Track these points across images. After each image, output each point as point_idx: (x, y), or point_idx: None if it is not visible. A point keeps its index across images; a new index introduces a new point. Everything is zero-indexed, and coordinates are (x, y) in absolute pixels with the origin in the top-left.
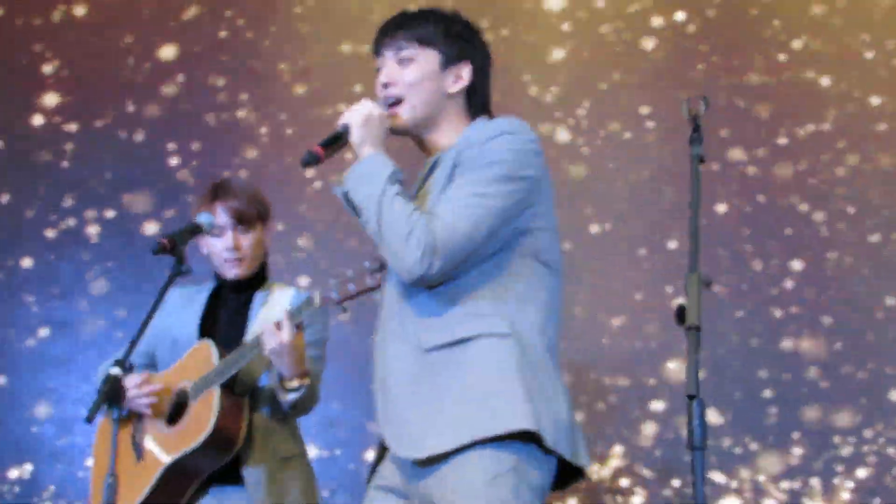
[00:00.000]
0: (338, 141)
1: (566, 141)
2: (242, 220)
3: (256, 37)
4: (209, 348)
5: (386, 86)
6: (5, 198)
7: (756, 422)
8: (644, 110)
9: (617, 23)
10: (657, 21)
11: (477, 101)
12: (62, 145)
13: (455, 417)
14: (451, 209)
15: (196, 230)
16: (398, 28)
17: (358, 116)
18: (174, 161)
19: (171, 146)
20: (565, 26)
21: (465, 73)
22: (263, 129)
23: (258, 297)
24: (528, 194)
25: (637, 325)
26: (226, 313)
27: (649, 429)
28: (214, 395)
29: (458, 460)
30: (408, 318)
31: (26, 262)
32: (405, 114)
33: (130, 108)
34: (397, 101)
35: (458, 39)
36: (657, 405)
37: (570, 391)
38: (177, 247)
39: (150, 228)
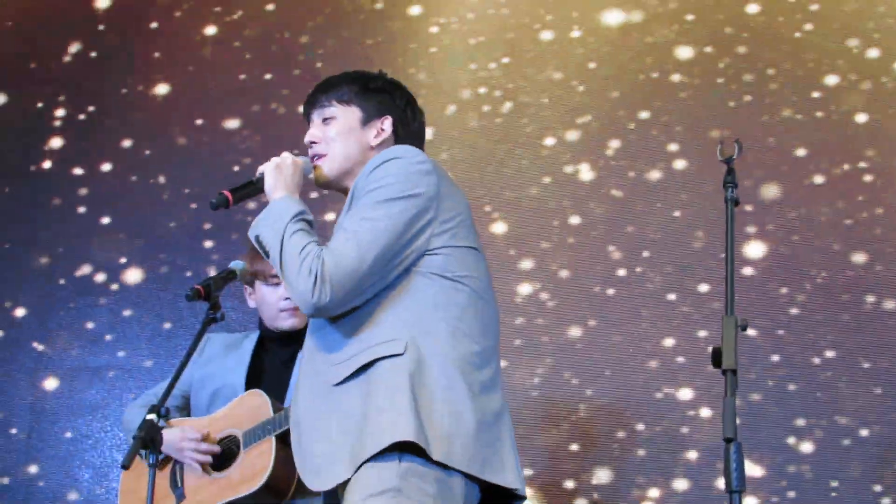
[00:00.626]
0: (247, 187)
1: (592, 180)
2: None
3: (274, 80)
4: (262, 398)
5: (311, 144)
6: (33, 248)
7: (793, 471)
8: (673, 148)
9: (645, 58)
10: (685, 54)
11: None
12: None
13: (351, 445)
14: (341, 237)
15: (230, 276)
16: (321, 92)
17: (271, 164)
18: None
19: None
20: (591, 65)
21: (386, 125)
22: None
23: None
24: (421, 212)
25: (669, 370)
26: (272, 365)
27: (683, 476)
28: (271, 444)
29: (350, 483)
30: (317, 355)
31: (59, 309)
32: (326, 166)
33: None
34: (321, 157)
35: (377, 94)
36: (691, 453)
37: (602, 437)
38: (211, 293)
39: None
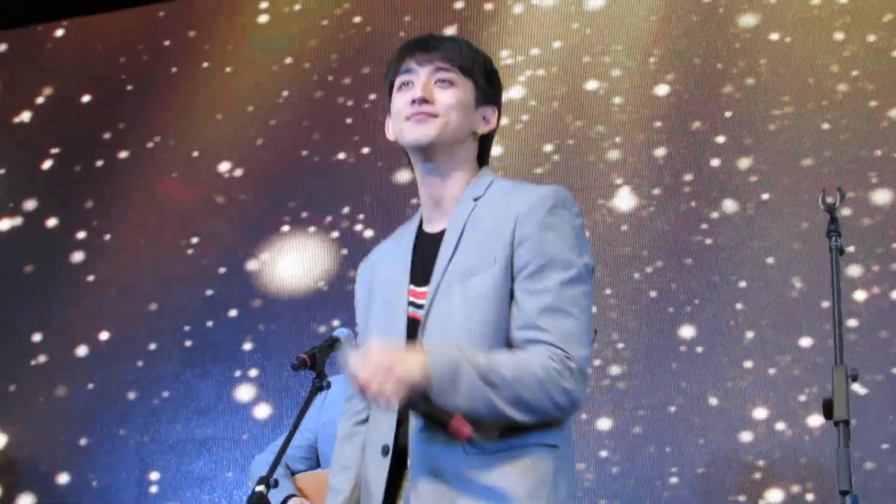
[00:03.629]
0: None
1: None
2: None
3: None
4: None
5: (422, 101)
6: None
7: None
8: (765, 196)
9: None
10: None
11: (486, 151)
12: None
13: None
14: (565, 321)
15: (335, 345)
16: (439, 48)
17: (378, 365)
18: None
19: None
20: (657, 124)
21: (492, 117)
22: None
23: None
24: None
25: (778, 422)
26: None
27: None
28: None
29: None
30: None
31: (168, 384)
32: (435, 130)
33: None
34: (429, 116)
35: (492, 80)
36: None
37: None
38: (317, 362)
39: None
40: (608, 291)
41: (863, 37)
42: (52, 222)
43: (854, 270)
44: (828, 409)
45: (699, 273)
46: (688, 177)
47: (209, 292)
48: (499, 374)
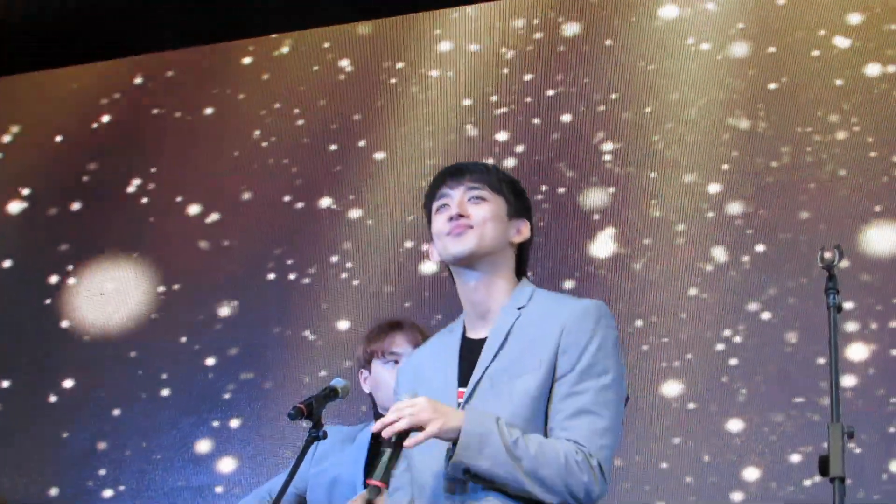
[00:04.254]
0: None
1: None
2: None
3: None
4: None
5: (459, 216)
6: None
7: None
8: (760, 248)
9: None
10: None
11: (523, 261)
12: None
13: None
14: (600, 420)
15: (331, 395)
16: (468, 171)
17: (421, 410)
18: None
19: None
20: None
21: (525, 229)
22: None
23: None
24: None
25: (771, 482)
26: None
27: None
28: None
29: None
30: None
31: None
32: (473, 240)
33: None
34: (467, 229)
35: (521, 197)
36: None
37: None
38: (313, 412)
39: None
40: None
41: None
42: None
43: (851, 326)
44: (823, 467)
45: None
46: (680, 227)
47: (183, 339)
48: (524, 448)
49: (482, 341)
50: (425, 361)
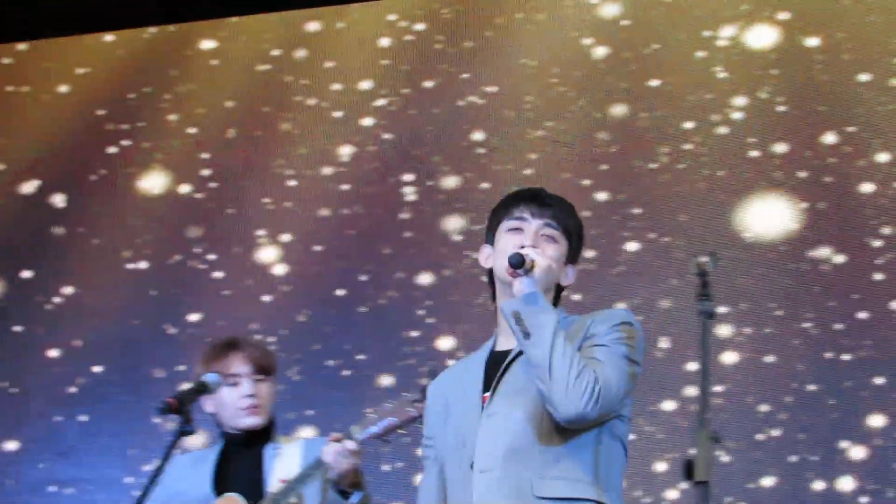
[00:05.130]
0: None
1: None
2: (261, 370)
3: None
4: (235, 499)
5: (527, 247)
6: None
7: None
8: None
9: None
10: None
11: (559, 298)
12: None
13: None
14: (610, 365)
15: (202, 389)
16: (551, 206)
17: (545, 262)
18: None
19: None
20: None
21: (573, 274)
22: None
23: (268, 450)
24: (637, 381)
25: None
26: (239, 469)
27: None
28: None
29: None
30: (521, 463)
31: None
32: (537, 273)
33: None
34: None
35: (581, 242)
36: None
37: None
38: (183, 406)
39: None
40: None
41: (752, 91)
42: None
43: (724, 331)
44: (688, 471)
45: None
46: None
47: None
48: (563, 341)
49: (510, 351)
50: (453, 375)
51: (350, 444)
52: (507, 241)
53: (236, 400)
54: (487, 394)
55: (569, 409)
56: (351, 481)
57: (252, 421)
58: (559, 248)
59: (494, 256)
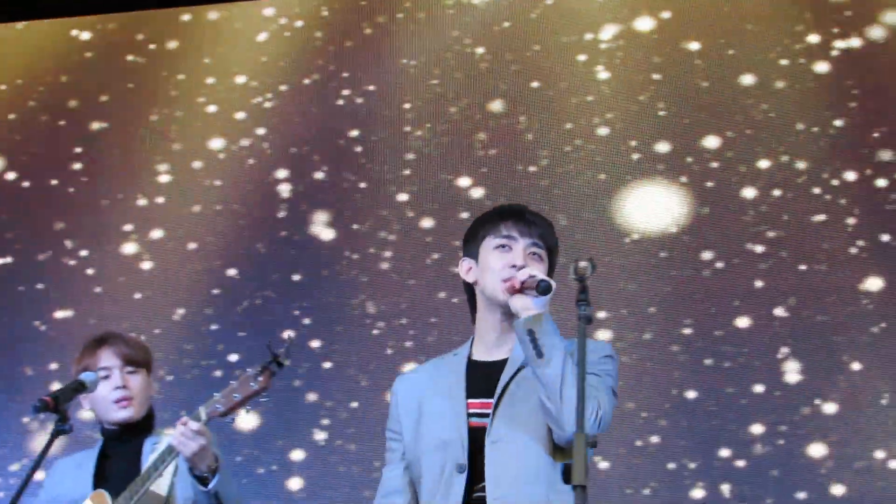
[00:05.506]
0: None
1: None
2: (130, 362)
3: None
4: (102, 495)
5: (521, 268)
6: None
7: None
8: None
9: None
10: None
11: None
12: None
13: None
14: (603, 393)
15: (79, 388)
16: (538, 226)
17: (554, 285)
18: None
19: None
20: (406, 172)
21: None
22: None
23: (147, 443)
24: None
25: None
26: (118, 464)
27: None
28: None
29: None
30: (533, 482)
31: None
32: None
33: None
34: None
35: (557, 260)
36: None
37: None
38: (59, 405)
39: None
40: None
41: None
42: None
43: (603, 336)
44: (566, 474)
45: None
46: (428, 223)
47: None
48: (572, 365)
49: (498, 362)
50: (426, 382)
51: (193, 425)
52: (497, 260)
53: (108, 393)
54: (472, 400)
55: (571, 427)
56: (207, 466)
57: (125, 414)
58: (544, 267)
59: (481, 272)
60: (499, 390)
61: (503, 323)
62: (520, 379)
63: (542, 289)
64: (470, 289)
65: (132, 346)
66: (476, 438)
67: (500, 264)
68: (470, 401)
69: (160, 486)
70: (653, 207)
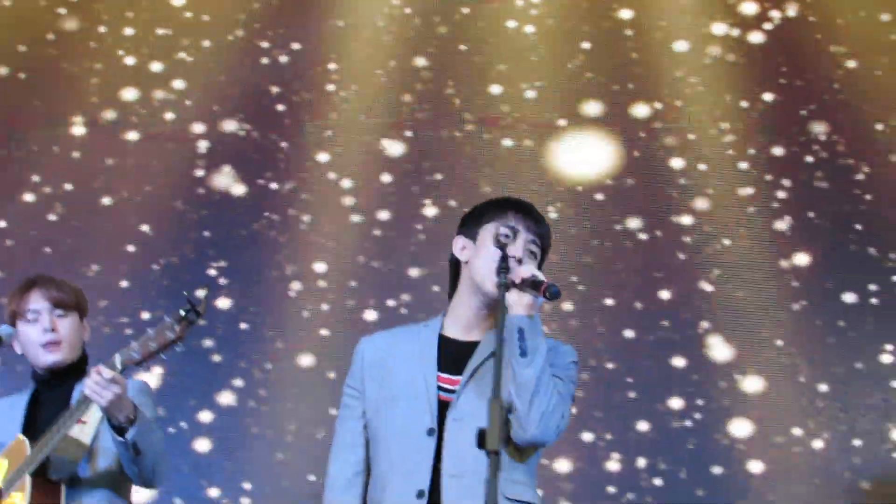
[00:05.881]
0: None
1: None
2: (59, 305)
3: None
4: (22, 442)
5: (519, 262)
6: None
7: None
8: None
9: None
10: None
11: None
12: None
13: None
14: (565, 400)
15: None
16: (541, 224)
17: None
18: None
19: None
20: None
21: None
22: None
23: (78, 388)
24: None
25: None
26: (48, 409)
27: None
28: (26, 483)
29: None
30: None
31: None
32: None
33: None
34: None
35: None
36: None
37: None
38: None
39: None
40: None
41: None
42: None
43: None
44: (481, 439)
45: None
46: (348, 184)
47: None
48: (549, 370)
49: (470, 343)
50: (395, 343)
51: (106, 372)
52: (495, 250)
53: (37, 337)
54: (443, 374)
55: (535, 434)
56: (126, 416)
57: (52, 358)
58: (535, 264)
59: (475, 253)
60: (469, 371)
61: (481, 309)
62: (489, 364)
63: (553, 294)
64: (455, 266)
65: (62, 289)
66: (441, 410)
67: (499, 255)
68: (439, 374)
69: (84, 433)
70: (578, 177)
